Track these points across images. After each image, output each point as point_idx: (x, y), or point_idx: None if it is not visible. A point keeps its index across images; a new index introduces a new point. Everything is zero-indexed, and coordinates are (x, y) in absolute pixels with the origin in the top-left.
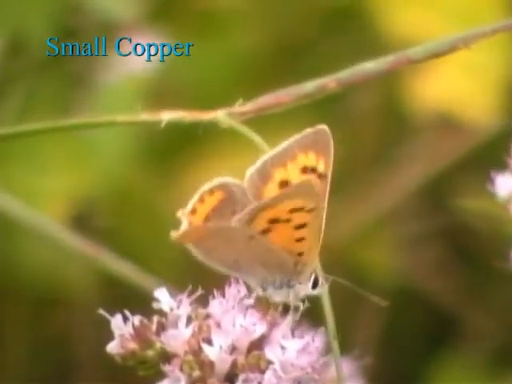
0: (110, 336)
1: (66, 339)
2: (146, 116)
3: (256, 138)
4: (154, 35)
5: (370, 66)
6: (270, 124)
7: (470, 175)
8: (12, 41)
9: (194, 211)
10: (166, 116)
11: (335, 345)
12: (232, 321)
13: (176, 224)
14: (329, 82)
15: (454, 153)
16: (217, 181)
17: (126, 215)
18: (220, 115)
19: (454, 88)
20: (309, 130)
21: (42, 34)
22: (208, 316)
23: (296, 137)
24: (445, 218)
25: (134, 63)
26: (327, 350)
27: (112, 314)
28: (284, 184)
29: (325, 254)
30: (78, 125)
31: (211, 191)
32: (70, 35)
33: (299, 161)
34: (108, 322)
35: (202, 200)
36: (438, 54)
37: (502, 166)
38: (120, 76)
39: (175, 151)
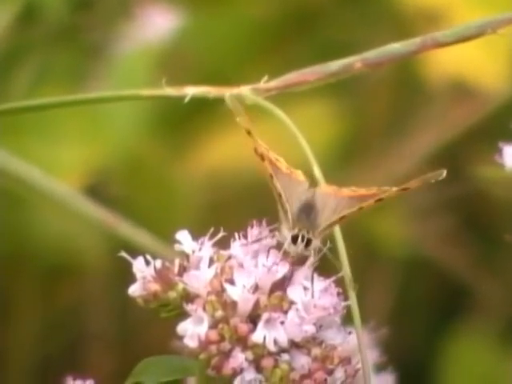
0: (122, 306)
1: (78, 310)
2: (170, 90)
3: (281, 114)
4: (168, 5)
5: (396, 47)
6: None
7: (483, 143)
8: (27, 11)
9: (355, 190)
10: (191, 91)
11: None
12: (254, 261)
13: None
14: (355, 61)
15: (467, 121)
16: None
17: (139, 185)
18: (244, 91)
19: (465, 56)
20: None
21: (58, 4)
22: (230, 258)
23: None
24: (458, 187)
25: (148, 33)
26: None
27: (126, 283)
28: None
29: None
30: (101, 98)
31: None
32: (85, 5)
33: None
34: (121, 293)
35: (369, 190)
36: (465, 38)
37: (510, 136)
38: (134, 46)
39: (188, 121)
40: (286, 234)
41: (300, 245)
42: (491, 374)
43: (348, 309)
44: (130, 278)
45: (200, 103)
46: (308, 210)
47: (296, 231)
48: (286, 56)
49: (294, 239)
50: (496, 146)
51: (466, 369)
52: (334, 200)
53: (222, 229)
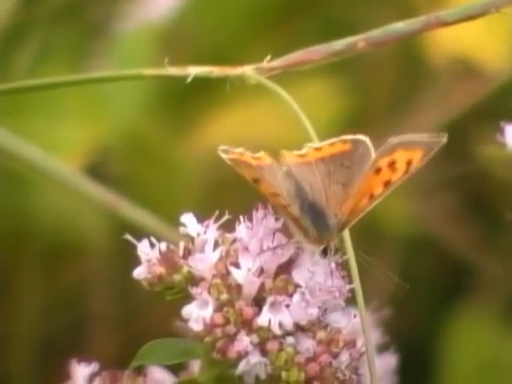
0: (124, 286)
1: (80, 290)
2: (173, 70)
3: (284, 94)
4: None
5: (400, 26)
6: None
7: (486, 122)
8: None
9: (319, 149)
10: (194, 70)
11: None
12: (260, 244)
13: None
14: (359, 40)
15: (469, 99)
16: (357, 136)
17: (141, 164)
18: (248, 71)
19: (467, 35)
20: (434, 139)
21: None
22: (235, 241)
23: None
24: (460, 166)
25: (150, 12)
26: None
27: (128, 262)
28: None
29: None
30: (104, 78)
31: (345, 141)
32: None
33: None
34: (123, 273)
35: (332, 144)
36: (469, 17)
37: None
38: (136, 25)
39: (189, 99)
40: (312, 247)
41: (331, 256)
42: (493, 352)
43: (351, 290)
44: (132, 258)
45: (202, 82)
46: (314, 210)
47: (324, 244)
48: (289, 34)
49: (324, 252)
50: (498, 125)
51: (468, 347)
52: (314, 171)
53: (226, 212)
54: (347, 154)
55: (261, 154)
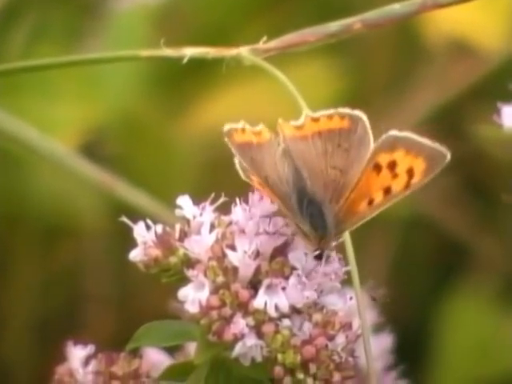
0: (120, 267)
1: (76, 271)
2: (169, 51)
3: (279, 75)
4: None
5: (397, 7)
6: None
7: (482, 102)
8: None
9: (316, 120)
10: (189, 51)
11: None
12: (256, 227)
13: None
14: (354, 22)
15: (466, 80)
16: (355, 112)
17: (136, 144)
18: (244, 52)
19: (464, 16)
20: (437, 148)
21: None
22: (231, 223)
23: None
24: (457, 146)
25: None
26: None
27: (124, 244)
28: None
29: None
30: (100, 59)
31: (343, 116)
32: None
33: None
34: (120, 254)
35: (330, 117)
36: None
37: (509, 96)
38: (132, 4)
39: (185, 80)
40: (309, 248)
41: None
42: (490, 333)
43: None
44: (129, 239)
45: (197, 62)
46: (313, 204)
47: (319, 250)
48: (284, 14)
49: (318, 257)
50: (495, 106)
51: (465, 327)
52: (310, 148)
53: (222, 194)
54: (345, 132)
55: (260, 127)
